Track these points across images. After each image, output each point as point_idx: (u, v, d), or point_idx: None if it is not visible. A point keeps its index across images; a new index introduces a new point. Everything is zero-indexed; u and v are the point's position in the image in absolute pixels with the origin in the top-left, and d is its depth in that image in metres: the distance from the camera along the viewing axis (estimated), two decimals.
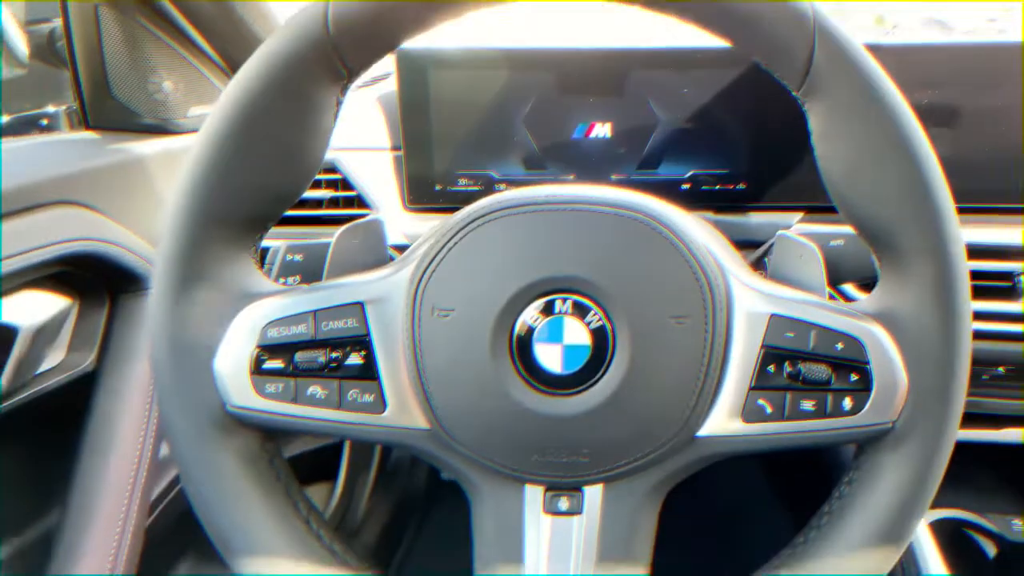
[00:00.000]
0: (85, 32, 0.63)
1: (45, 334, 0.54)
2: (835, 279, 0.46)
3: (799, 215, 0.68)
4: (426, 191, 0.69)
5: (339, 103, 0.38)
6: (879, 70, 0.34)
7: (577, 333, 0.35)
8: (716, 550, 1.10)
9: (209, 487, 0.36)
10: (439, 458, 0.38)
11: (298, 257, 0.46)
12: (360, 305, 0.37)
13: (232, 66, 0.73)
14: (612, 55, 0.65)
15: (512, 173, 0.69)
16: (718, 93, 0.65)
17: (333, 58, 0.34)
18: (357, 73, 0.37)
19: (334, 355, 0.36)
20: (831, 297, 0.48)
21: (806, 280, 0.41)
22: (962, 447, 0.68)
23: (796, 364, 0.35)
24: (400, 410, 0.36)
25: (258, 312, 0.36)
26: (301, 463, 0.94)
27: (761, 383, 0.36)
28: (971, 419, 0.68)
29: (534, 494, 0.37)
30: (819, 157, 0.36)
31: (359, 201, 0.71)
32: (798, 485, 1.00)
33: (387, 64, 0.63)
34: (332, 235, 0.43)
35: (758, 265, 0.51)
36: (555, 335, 0.35)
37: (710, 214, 0.69)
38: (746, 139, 0.66)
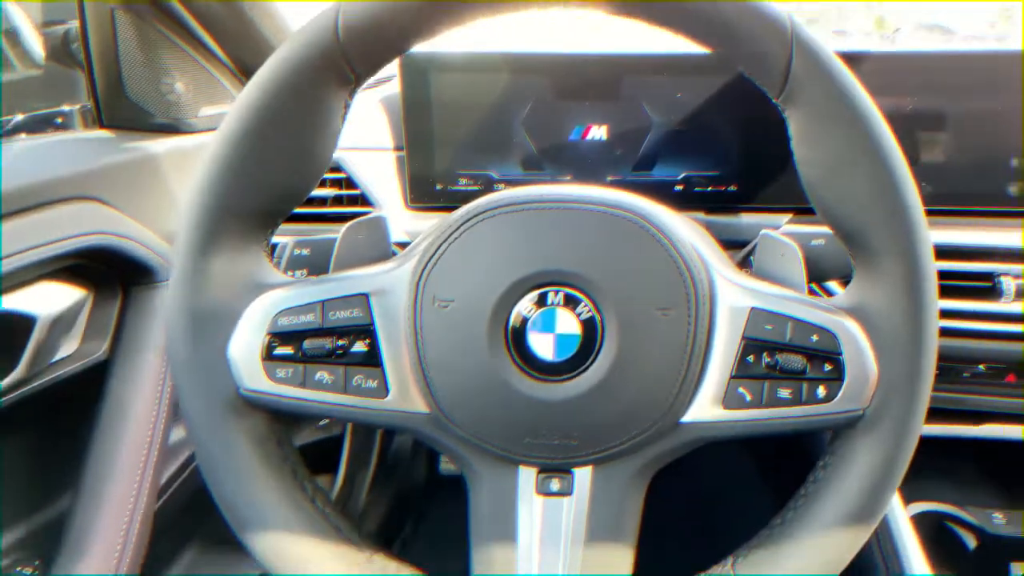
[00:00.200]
0: (101, 35, 0.65)
1: (61, 324, 0.56)
2: (817, 276, 0.48)
3: (788, 216, 0.70)
4: (427, 190, 0.71)
5: (347, 106, 0.40)
6: (852, 79, 0.36)
7: (568, 323, 0.37)
8: (702, 531, 1.12)
9: (222, 464, 0.38)
10: (438, 441, 0.40)
11: (305, 251, 0.48)
12: (365, 296, 0.39)
13: (241, 68, 0.75)
14: (608, 60, 0.67)
15: (511, 173, 0.71)
16: (710, 98, 0.67)
17: (342, 64, 0.37)
18: (364, 78, 0.39)
19: (340, 343, 0.38)
20: (813, 293, 0.50)
21: (787, 277, 0.43)
22: (944, 443, 0.70)
23: (774, 354, 0.37)
24: (402, 395, 0.39)
25: (269, 302, 0.39)
26: (302, 455, 0.96)
27: (741, 372, 0.38)
28: (953, 415, 0.70)
29: (527, 475, 0.39)
30: (798, 161, 0.38)
31: (362, 199, 0.72)
32: (783, 472, 1.02)
33: (391, 67, 0.65)
34: (336, 231, 0.46)
35: (744, 263, 0.53)
36: (548, 325, 0.37)
37: (702, 214, 0.71)
38: (737, 142, 0.68)
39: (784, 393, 0.37)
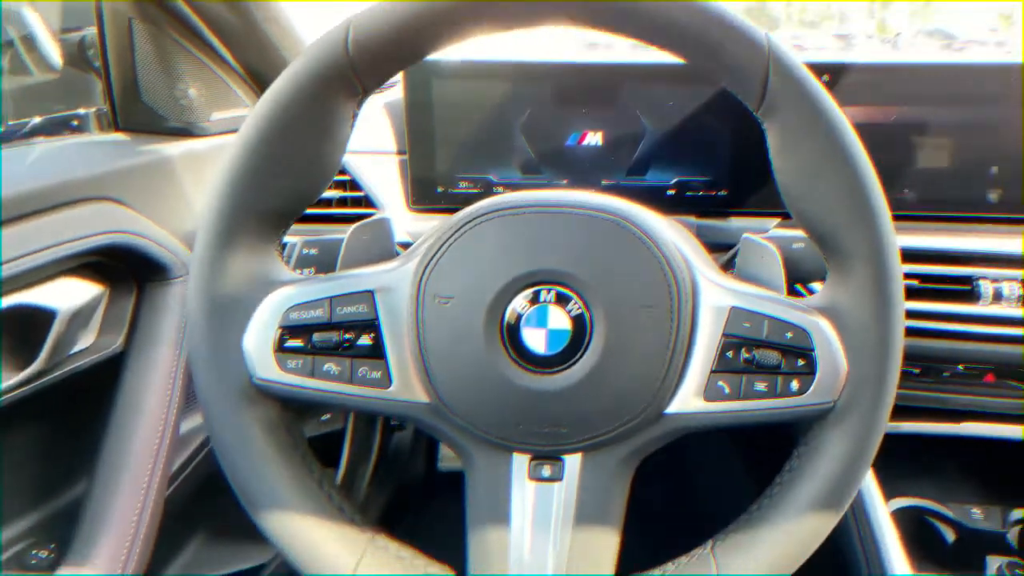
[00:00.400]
0: (118, 42, 0.68)
1: (79, 318, 0.58)
2: (798, 277, 0.50)
3: (776, 220, 0.72)
4: (428, 192, 0.74)
5: (355, 115, 0.42)
6: (825, 94, 0.38)
7: (559, 319, 0.40)
8: (685, 517, 1.15)
9: (236, 447, 0.41)
10: (437, 429, 0.42)
11: (313, 251, 0.51)
12: (370, 293, 0.42)
13: (252, 74, 0.78)
14: (604, 69, 0.70)
15: (509, 177, 0.73)
16: (702, 106, 0.70)
17: (351, 77, 0.39)
18: (371, 90, 0.41)
19: (347, 336, 0.41)
20: (798, 293, 0.53)
21: (766, 278, 0.46)
22: (926, 440, 0.72)
23: (752, 350, 0.40)
24: (404, 385, 0.41)
25: (281, 297, 0.41)
26: None
27: (721, 367, 0.40)
28: (933, 414, 0.73)
29: (520, 462, 0.42)
30: (775, 170, 0.41)
31: (366, 201, 0.75)
32: (764, 463, 1.04)
33: None
34: (341, 231, 0.48)
35: (729, 265, 0.56)
36: (540, 321, 0.40)
37: (694, 218, 0.74)
38: (728, 149, 0.71)
39: (761, 386, 0.40)
